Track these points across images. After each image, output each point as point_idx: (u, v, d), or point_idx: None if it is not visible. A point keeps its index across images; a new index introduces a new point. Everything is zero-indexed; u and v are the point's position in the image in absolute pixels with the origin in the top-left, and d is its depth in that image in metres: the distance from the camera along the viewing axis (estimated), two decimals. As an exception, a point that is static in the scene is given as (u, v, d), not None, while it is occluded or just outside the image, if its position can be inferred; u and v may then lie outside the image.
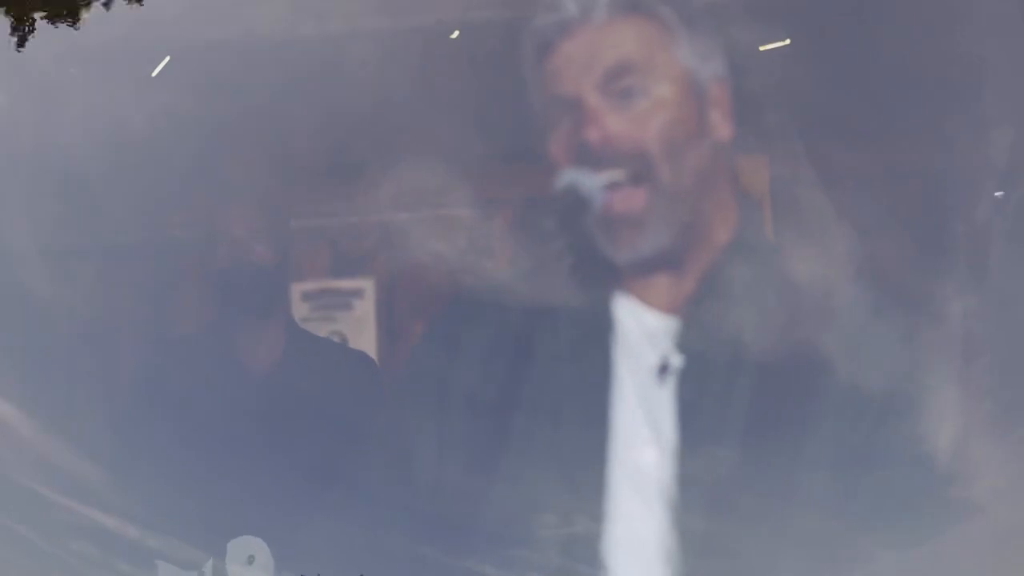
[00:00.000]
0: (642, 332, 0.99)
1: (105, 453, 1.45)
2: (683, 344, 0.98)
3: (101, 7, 1.61)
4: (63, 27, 1.60)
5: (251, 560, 1.08)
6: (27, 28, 1.55)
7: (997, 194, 1.27)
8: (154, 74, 1.64)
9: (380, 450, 1.14)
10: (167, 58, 1.64)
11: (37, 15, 1.56)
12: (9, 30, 1.58)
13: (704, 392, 0.96)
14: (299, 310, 2.15)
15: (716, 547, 0.97)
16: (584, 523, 0.98)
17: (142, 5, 1.58)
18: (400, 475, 1.07)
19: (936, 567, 1.03)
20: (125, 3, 1.58)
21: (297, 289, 2.05)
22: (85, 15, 1.58)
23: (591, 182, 0.96)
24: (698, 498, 0.97)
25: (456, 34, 1.42)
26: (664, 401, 0.97)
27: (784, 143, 1.21)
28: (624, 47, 1.00)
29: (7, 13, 1.56)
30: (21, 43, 1.54)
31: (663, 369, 0.98)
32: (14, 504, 1.30)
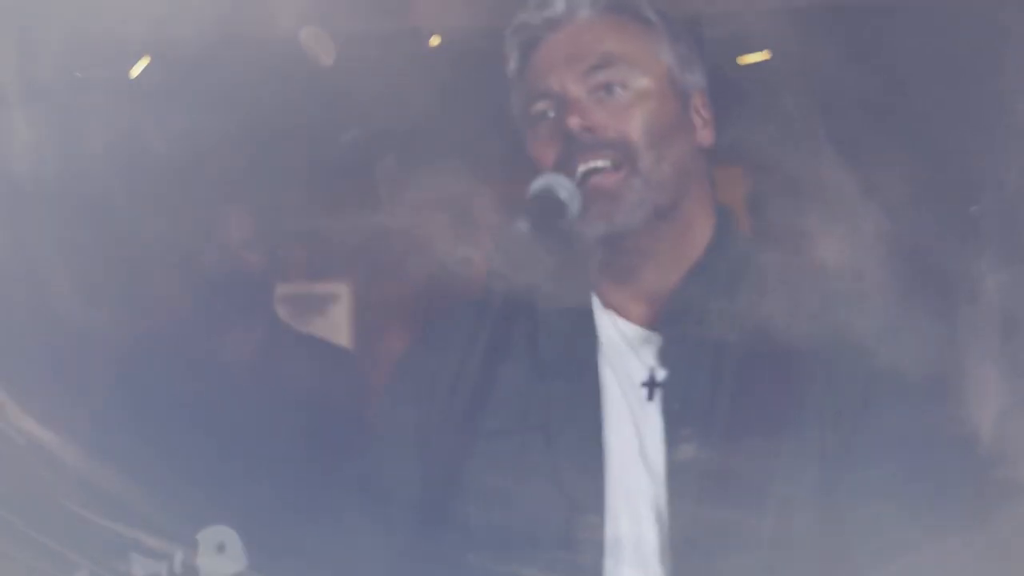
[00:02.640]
0: (626, 344, 1.01)
1: (147, 473, 1.47)
2: (667, 356, 0.98)
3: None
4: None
5: (221, 548, 1.09)
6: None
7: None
8: (134, 75, 1.64)
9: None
10: (147, 59, 1.63)
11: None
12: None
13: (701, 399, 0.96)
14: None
15: (751, 539, 0.96)
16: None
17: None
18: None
19: (985, 550, 1.01)
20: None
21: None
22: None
23: (568, 181, 0.96)
24: (730, 491, 0.96)
25: (435, 39, 1.41)
26: (652, 414, 0.98)
27: (808, 125, 1.20)
28: (608, 43, 1.01)
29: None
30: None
31: (650, 383, 0.99)
32: (64, 530, 1.32)
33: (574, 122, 0.99)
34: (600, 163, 0.99)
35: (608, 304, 1.05)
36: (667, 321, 1.00)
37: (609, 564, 0.97)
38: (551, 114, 1.03)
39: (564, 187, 0.97)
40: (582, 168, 0.99)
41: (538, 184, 0.98)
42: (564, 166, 0.99)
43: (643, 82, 1.03)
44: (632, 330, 1.04)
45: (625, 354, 1.02)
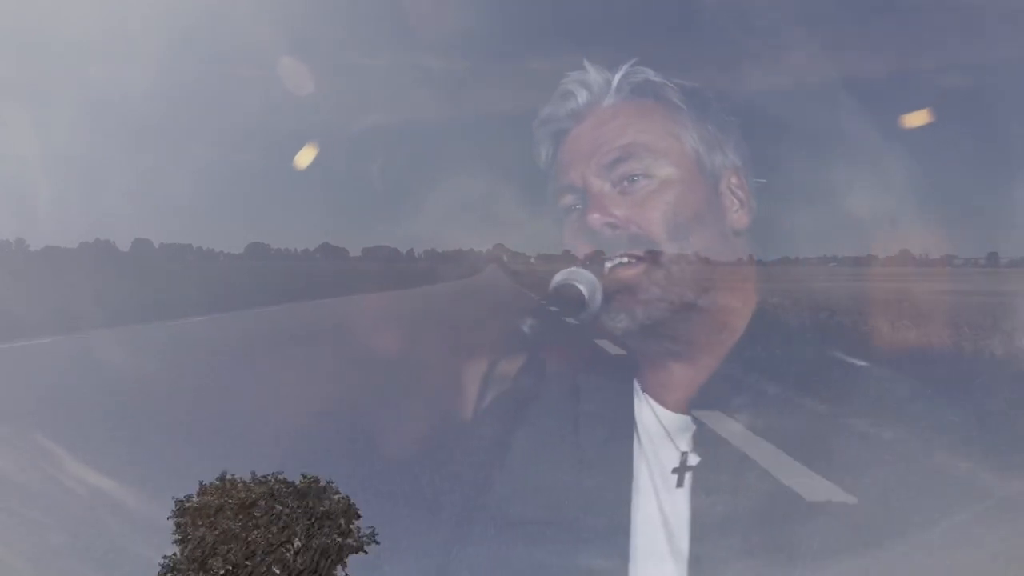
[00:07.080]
0: (661, 429, 1.00)
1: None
2: (700, 442, 0.98)
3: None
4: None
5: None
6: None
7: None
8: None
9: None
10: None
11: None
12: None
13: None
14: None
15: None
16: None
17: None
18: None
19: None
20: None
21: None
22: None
23: (588, 273, 0.97)
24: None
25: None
26: (680, 500, 0.97)
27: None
28: (630, 133, 1.00)
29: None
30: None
31: (681, 468, 0.99)
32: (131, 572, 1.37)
33: (594, 219, 1.01)
34: (623, 259, 0.99)
35: (646, 389, 1.06)
36: (702, 408, 1.00)
37: None
38: (578, 207, 1.03)
39: (583, 280, 0.98)
40: (608, 264, 0.99)
41: (558, 278, 1.00)
42: (592, 260, 0.99)
43: (667, 170, 1.04)
44: (667, 416, 1.04)
45: (659, 439, 1.02)
